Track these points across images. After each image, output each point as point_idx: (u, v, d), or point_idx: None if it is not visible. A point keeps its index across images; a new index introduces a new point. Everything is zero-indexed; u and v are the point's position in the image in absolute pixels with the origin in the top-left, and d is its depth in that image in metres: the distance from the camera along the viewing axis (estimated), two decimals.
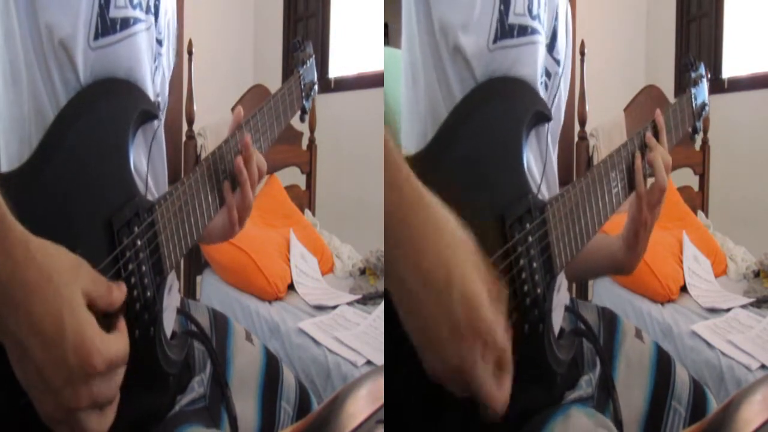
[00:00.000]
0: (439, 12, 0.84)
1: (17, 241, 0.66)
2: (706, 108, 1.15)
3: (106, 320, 0.72)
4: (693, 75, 1.15)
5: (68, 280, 0.69)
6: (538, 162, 0.90)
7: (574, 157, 2.36)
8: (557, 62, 0.93)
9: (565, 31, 0.96)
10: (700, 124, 1.14)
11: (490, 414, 0.73)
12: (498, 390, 0.72)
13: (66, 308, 0.68)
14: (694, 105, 1.12)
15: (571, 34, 0.98)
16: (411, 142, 0.86)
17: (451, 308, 0.69)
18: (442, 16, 0.83)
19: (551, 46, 0.92)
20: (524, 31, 0.86)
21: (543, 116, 0.88)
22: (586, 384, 0.96)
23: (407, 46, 0.87)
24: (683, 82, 1.15)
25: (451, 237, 0.70)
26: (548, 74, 0.91)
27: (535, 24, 0.87)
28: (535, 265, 0.82)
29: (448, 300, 0.69)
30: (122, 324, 0.75)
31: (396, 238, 0.68)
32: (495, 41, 0.84)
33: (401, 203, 0.68)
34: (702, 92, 1.15)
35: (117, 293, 0.75)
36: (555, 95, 0.93)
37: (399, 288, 0.70)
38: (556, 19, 0.93)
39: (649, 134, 1.01)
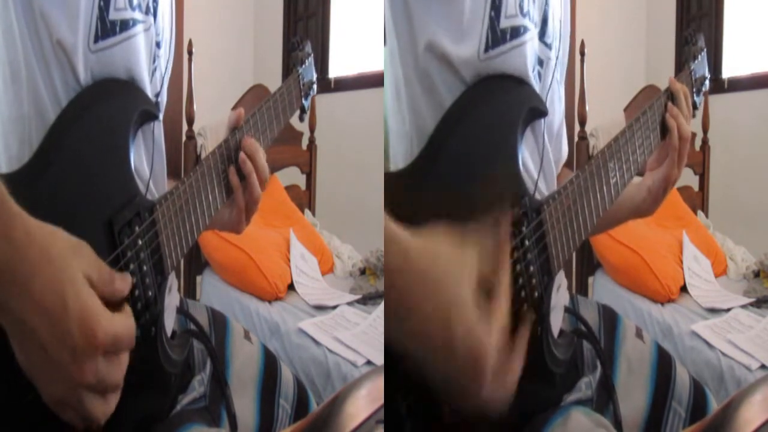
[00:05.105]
0: (425, 28, 0.81)
1: (17, 222, 0.65)
2: (706, 82, 1.15)
3: (110, 307, 0.71)
4: (692, 48, 1.14)
5: (69, 260, 0.68)
6: (535, 158, 0.88)
7: (575, 157, 2.36)
8: (548, 46, 0.90)
9: (561, 12, 0.93)
10: (700, 99, 1.13)
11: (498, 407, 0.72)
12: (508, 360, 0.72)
13: (68, 285, 0.67)
14: (693, 79, 1.11)
15: (569, 14, 0.96)
16: (399, 155, 0.85)
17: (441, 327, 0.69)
18: (429, 31, 0.81)
19: (542, 32, 0.89)
20: (516, 32, 0.84)
21: (538, 111, 0.86)
22: (586, 386, 0.96)
23: (389, 60, 0.84)
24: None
25: (440, 259, 0.70)
26: (540, 62, 0.89)
27: (526, 21, 0.85)
28: (532, 268, 0.81)
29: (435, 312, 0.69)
30: (127, 308, 0.73)
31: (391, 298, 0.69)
32: (486, 50, 0.83)
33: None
34: (702, 66, 1.13)
35: (120, 283, 0.73)
36: (550, 84, 0.91)
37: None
38: (547, 3, 0.90)
39: (674, 80, 1.04)
